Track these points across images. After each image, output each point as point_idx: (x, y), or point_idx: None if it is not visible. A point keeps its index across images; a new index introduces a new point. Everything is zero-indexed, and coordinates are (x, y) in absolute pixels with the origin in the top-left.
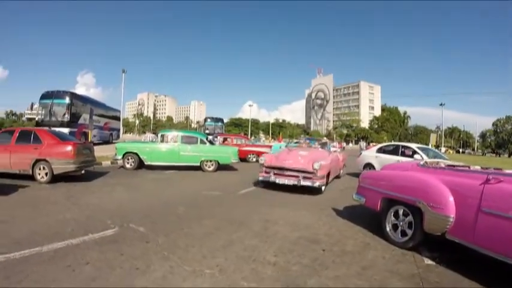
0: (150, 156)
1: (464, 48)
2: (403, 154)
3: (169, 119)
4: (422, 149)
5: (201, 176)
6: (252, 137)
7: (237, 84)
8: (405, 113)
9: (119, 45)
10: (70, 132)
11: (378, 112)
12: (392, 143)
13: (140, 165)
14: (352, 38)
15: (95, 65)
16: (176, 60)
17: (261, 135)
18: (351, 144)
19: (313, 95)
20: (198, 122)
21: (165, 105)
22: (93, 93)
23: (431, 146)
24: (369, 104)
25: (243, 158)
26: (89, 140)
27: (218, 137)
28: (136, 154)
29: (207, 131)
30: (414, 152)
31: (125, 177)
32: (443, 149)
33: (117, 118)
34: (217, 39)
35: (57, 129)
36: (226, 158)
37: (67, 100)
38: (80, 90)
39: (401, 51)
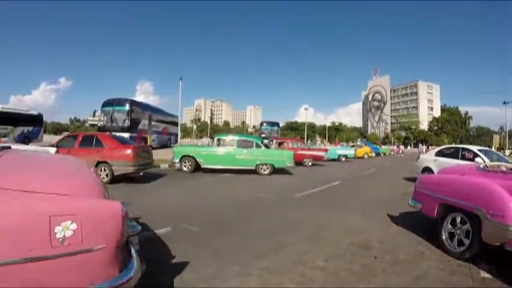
0: (207, 160)
1: None
2: (464, 157)
3: (226, 123)
4: (484, 152)
5: (256, 179)
6: (308, 141)
7: (293, 88)
8: (466, 113)
9: (173, 53)
10: (130, 137)
11: (437, 113)
12: (453, 145)
13: (197, 168)
14: (408, 36)
15: (153, 74)
16: (232, 65)
17: (317, 138)
18: (409, 148)
19: (369, 97)
20: (254, 127)
21: (221, 110)
22: (151, 100)
23: (494, 148)
24: (428, 105)
25: (298, 162)
26: (148, 144)
27: (274, 141)
28: (193, 157)
29: (263, 135)
30: (475, 155)
31: (182, 179)
32: (507, 152)
33: (175, 123)
34: (272, 44)
35: (118, 134)
36: (282, 161)
37: (127, 107)
38: (139, 98)
39: (461, 47)
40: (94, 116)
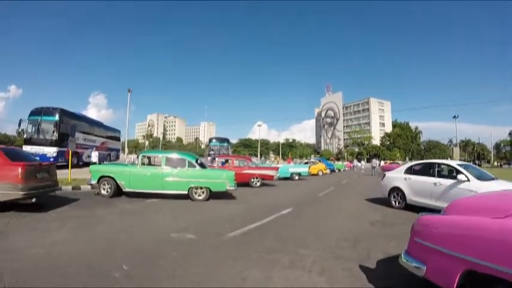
0: (129, 182)
1: (470, 57)
2: (440, 174)
3: (179, 140)
4: (463, 167)
5: (187, 206)
6: (262, 158)
7: (247, 105)
8: (416, 128)
9: (127, 66)
10: (59, 152)
11: (389, 128)
12: (425, 160)
13: (119, 191)
14: (360, 54)
15: (106, 87)
16: (186, 81)
17: (271, 155)
18: (363, 162)
19: (322, 114)
20: (197, 139)
21: (174, 126)
22: (104, 114)
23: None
24: (380, 121)
25: (245, 183)
26: (70, 159)
27: (216, 159)
28: (112, 178)
29: (211, 152)
30: (455, 171)
31: (90, 207)
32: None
33: (117, 138)
34: (226, 60)
35: (45, 148)
36: (220, 184)
37: (56, 117)
38: (91, 111)
39: (410, 64)
40: (19, 126)
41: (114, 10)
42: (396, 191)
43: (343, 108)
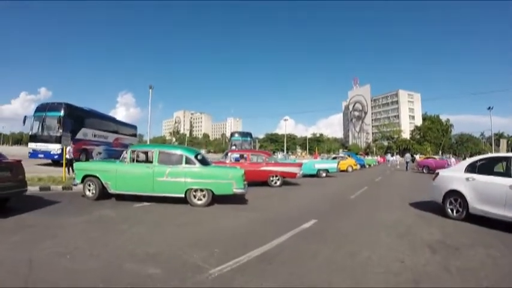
0: (115, 182)
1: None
2: None
3: (206, 136)
4: None
5: (180, 215)
6: (284, 153)
7: (274, 100)
8: (448, 121)
9: (154, 64)
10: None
11: (418, 121)
12: (494, 154)
13: (106, 192)
14: (388, 45)
15: (134, 86)
16: (213, 77)
17: (298, 150)
18: (398, 157)
19: (350, 107)
20: (224, 135)
21: (201, 122)
22: (132, 112)
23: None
24: (409, 114)
25: (264, 181)
26: (64, 156)
27: (229, 154)
28: (98, 178)
29: (233, 147)
30: None
31: (61, 214)
32: None
33: (133, 134)
34: (253, 56)
35: (50, 145)
36: (225, 185)
37: (61, 112)
38: (120, 110)
39: (440, 55)
40: (24, 123)
41: (138, 9)
42: (454, 195)
43: (371, 101)
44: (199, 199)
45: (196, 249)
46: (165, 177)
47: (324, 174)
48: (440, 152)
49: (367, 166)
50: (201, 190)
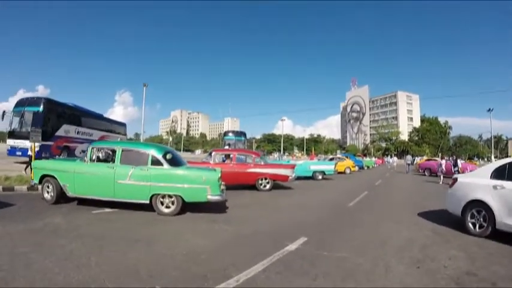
0: (73, 184)
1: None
2: None
3: (203, 135)
4: None
5: (140, 225)
6: (278, 153)
7: (272, 101)
8: (446, 123)
9: (152, 63)
10: (43, 146)
11: (417, 123)
12: None
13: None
14: (387, 46)
15: (133, 84)
16: (210, 77)
17: (296, 150)
18: (395, 159)
19: (348, 108)
20: (221, 134)
21: (198, 122)
22: (130, 111)
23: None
24: (408, 115)
25: (252, 185)
26: (33, 153)
27: (213, 153)
28: (55, 178)
29: (226, 147)
30: None
31: (5, 220)
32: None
33: (120, 132)
34: (250, 56)
35: (27, 142)
36: (197, 191)
37: (40, 107)
38: (117, 109)
39: (439, 58)
40: (2, 118)
41: (137, 8)
42: (477, 207)
43: (369, 102)
44: (167, 206)
45: (131, 281)
46: (128, 179)
47: (320, 177)
48: (439, 154)
49: (366, 168)
50: (170, 196)
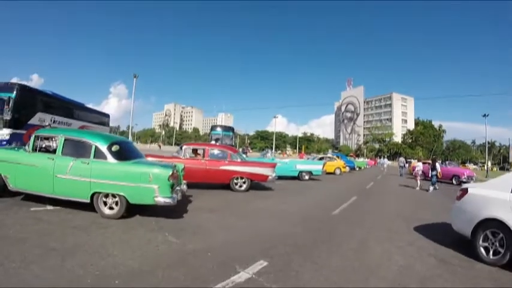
0: (15, 177)
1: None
2: None
3: (196, 130)
4: None
5: (72, 229)
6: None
7: (267, 99)
8: (440, 126)
9: (146, 57)
10: (13, 134)
11: (411, 126)
12: None
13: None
14: (384, 47)
15: (129, 77)
16: (205, 73)
17: (288, 148)
18: (386, 160)
19: (342, 108)
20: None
21: (191, 116)
22: (124, 103)
23: None
24: (402, 117)
25: (226, 184)
26: None
27: (184, 147)
28: None
29: (213, 142)
30: None
31: None
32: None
33: (103, 123)
34: (246, 53)
35: None
36: (143, 191)
37: (13, 93)
38: (112, 101)
39: (435, 62)
40: None
41: (133, 3)
42: (492, 227)
43: (364, 102)
44: (111, 207)
45: None
46: (67, 173)
47: (307, 177)
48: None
49: (357, 169)
50: (113, 195)
